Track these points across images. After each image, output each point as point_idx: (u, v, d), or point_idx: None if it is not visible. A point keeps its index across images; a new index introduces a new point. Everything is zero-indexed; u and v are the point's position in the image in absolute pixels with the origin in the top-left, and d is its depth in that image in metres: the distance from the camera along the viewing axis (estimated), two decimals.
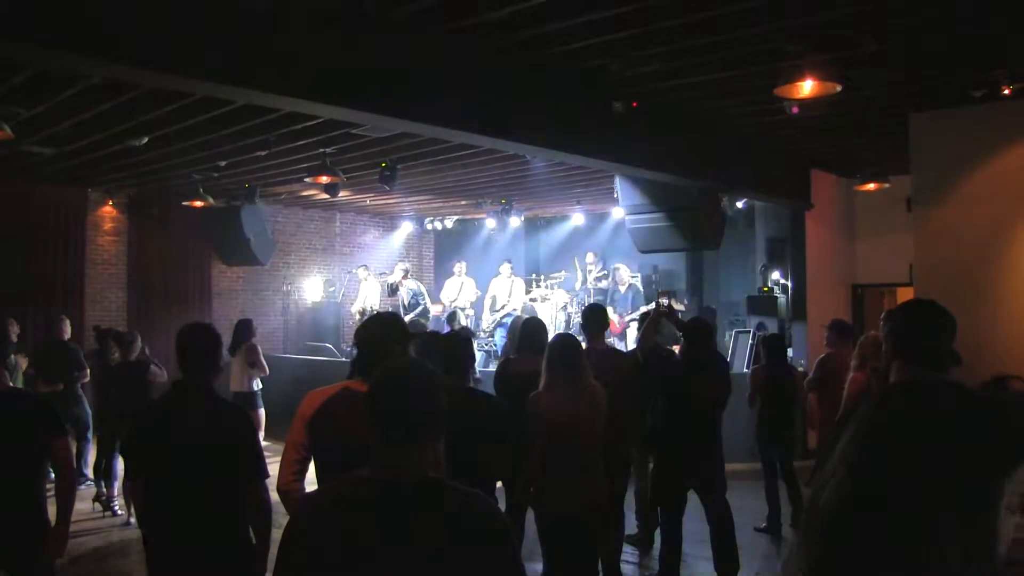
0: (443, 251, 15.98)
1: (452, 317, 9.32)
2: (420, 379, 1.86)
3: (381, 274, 13.31)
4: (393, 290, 12.06)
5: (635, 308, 11.14)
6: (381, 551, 1.68)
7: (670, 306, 6.82)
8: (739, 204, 10.72)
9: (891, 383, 2.41)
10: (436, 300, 13.09)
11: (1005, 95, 6.40)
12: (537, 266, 14.63)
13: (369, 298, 12.67)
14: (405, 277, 12.07)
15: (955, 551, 1.01)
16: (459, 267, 13.02)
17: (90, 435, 7.82)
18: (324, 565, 1.72)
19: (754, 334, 10.05)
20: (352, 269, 13.66)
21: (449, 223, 15.00)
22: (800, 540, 1.15)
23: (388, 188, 9.44)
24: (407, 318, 10.49)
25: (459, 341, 3.96)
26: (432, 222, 15.27)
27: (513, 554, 1.80)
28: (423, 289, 12.38)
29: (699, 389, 5.08)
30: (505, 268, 12.61)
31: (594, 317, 5.40)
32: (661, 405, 5.21)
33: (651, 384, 5.26)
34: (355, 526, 1.72)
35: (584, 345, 4.65)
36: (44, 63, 5.11)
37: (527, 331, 5.10)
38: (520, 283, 12.66)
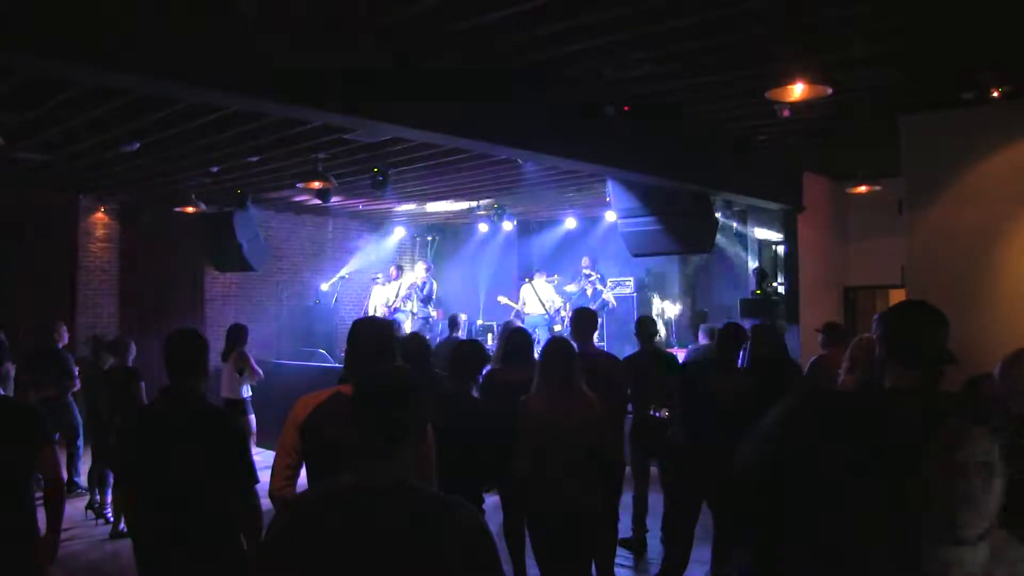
0: (436, 255, 15.96)
1: (453, 321, 9.38)
2: (401, 386, 1.88)
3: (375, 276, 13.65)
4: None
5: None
6: (360, 556, 1.69)
7: None
8: (725, 208, 10.80)
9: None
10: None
11: (994, 97, 6.43)
12: (530, 270, 14.62)
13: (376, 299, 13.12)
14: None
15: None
16: (392, 270, 13.54)
17: (80, 442, 7.78)
18: (303, 569, 1.73)
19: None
20: (372, 276, 13.96)
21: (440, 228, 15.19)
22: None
23: (380, 193, 9.42)
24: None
25: (466, 349, 4.12)
26: (424, 227, 15.40)
27: (493, 560, 1.80)
28: (407, 291, 12.66)
29: (726, 392, 4.88)
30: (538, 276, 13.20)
31: (582, 321, 5.39)
32: (683, 409, 5.18)
33: (675, 387, 5.30)
34: (335, 530, 1.73)
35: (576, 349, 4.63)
36: (38, 71, 5.09)
37: (514, 342, 5.13)
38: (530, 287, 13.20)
